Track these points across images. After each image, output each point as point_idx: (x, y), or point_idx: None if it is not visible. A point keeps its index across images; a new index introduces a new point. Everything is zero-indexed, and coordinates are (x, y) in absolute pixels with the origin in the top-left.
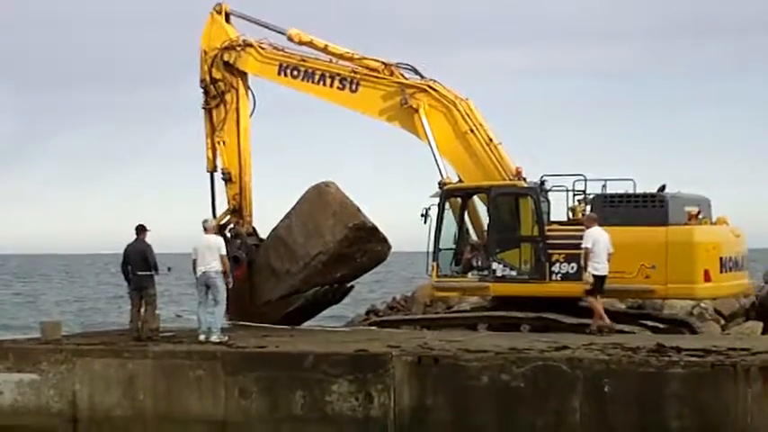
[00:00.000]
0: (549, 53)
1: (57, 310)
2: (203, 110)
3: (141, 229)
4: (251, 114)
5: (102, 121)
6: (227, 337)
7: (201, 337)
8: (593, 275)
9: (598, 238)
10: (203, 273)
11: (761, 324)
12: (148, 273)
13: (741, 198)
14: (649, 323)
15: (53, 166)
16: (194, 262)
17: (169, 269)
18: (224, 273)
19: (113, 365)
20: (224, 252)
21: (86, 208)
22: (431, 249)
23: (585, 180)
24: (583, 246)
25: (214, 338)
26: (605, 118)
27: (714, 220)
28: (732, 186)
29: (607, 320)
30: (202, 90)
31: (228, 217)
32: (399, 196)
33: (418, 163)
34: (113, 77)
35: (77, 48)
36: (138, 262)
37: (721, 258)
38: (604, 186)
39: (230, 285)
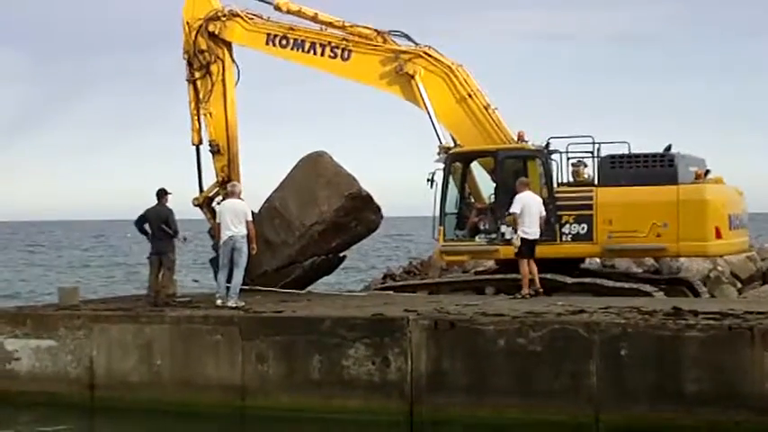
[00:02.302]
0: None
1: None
2: (187, 82)
3: (162, 194)
4: (236, 84)
5: (119, 88)
6: (243, 302)
7: (218, 302)
8: (522, 239)
9: (529, 203)
10: (230, 237)
11: None
12: (169, 237)
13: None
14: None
15: (69, 133)
16: (218, 226)
17: (185, 239)
18: (248, 238)
19: (130, 331)
20: (250, 217)
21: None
22: (437, 214)
23: (594, 142)
24: (511, 210)
25: (231, 303)
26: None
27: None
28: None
29: (526, 288)
30: (186, 62)
31: (217, 189)
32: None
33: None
34: (130, 44)
35: (93, 14)
36: (159, 226)
37: (729, 216)
38: (599, 149)
39: (254, 251)
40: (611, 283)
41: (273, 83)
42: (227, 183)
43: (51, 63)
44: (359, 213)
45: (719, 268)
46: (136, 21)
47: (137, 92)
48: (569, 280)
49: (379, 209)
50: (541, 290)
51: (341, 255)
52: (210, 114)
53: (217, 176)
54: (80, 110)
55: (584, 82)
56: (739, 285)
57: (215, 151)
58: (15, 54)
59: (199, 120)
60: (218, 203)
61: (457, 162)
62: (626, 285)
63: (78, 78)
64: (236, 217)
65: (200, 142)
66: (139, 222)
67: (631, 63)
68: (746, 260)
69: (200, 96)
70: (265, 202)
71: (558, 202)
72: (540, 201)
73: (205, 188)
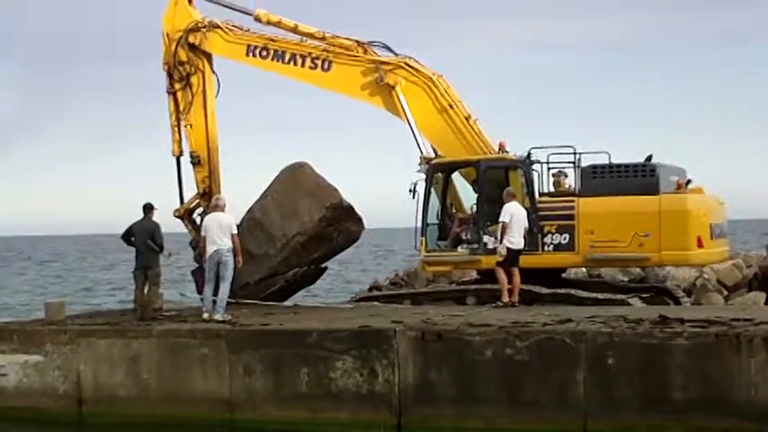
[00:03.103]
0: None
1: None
2: (167, 93)
3: (149, 208)
4: (216, 96)
5: (104, 96)
6: (230, 316)
7: (205, 316)
8: (508, 248)
9: (515, 213)
10: (216, 251)
11: (764, 295)
12: (154, 252)
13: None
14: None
15: (55, 143)
16: (203, 239)
17: (170, 255)
18: (234, 251)
19: (117, 345)
20: (235, 231)
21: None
22: (419, 225)
23: (575, 152)
24: (501, 219)
25: (218, 317)
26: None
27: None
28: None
29: (506, 296)
30: (166, 73)
31: (198, 200)
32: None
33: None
34: (114, 52)
35: (78, 23)
36: (145, 241)
37: (711, 225)
38: (579, 159)
39: (239, 264)
40: (585, 294)
41: (254, 92)
42: (207, 194)
43: (37, 73)
44: (340, 224)
45: (706, 276)
46: (124, 30)
47: (122, 103)
48: (544, 291)
49: (360, 219)
50: (517, 302)
51: (322, 266)
52: (191, 126)
53: (198, 188)
54: (63, 121)
55: (578, 89)
56: (725, 293)
57: (196, 162)
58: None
59: (179, 131)
60: (200, 215)
61: (439, 172)
62: (600, 296)
63: (63, 89)
64: (221, 230)
65: (181, 153)
66: (126, 236)
67: (624, 71)
68: (732, 268)
69: (181, 108)
70: (247, 214)
71: (540, 212)
72: (524, 212)
73: (186, 200)
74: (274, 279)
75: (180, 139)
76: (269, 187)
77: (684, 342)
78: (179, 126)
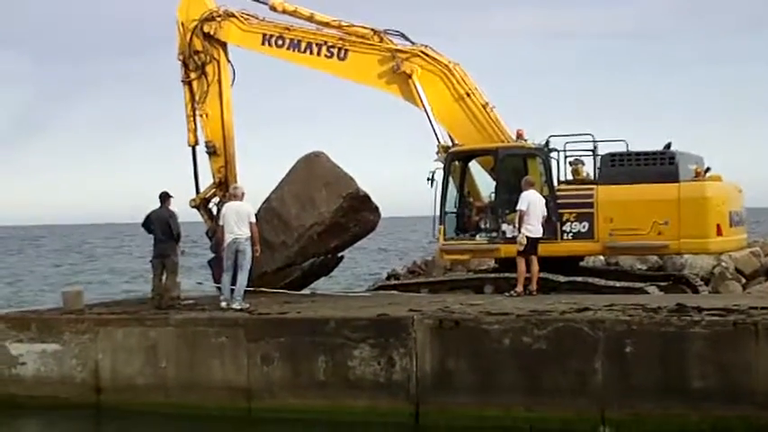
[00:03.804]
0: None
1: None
2: (182, 83)
3: (165, 197)
4: (231, 85)
5: (119, 90)
6: (248, 304)
7: (223, 304)
8: (527, 237)
9: (534, 201)
10: (234, 239)
11: None
12: (172, 240)
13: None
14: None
15: (70, 136)
16: (221, 228)
17: (183, 252)
18: (252, 240)
19: (135, 334)
20: (254, 219)
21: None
22: (437, 213)
23: (594, 140)
24: (518, 207)
25: (236, 305)
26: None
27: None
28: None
29: (520, 286)
30: (181, 63)
31: (214, 190)
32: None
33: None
34: (129, 46)
35: (93, 17)
36: (162, 229)
37: (729, 213)
38: (596, 147)
39: (258, 253)
40: (603, 282)
41: (272, 82)
42: (223, 184)
43: (51, 65)
44: (357, 213)
45: (724, 264)
46: (137, 23)
47: (137, 94)
48: (562, 279)
49: (376, 208)
50: (535, 291)
51: (339, 255)
52: (207, 115)
53: (213, 177)
54: (79, 112)
55: (586, 79)
56: (743, 281)
57: (211, 152)
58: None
59: (195, 121)
60: (216, 205)
61: (456, 161)
62: (618, 284)
63: (77, 80)
64: (240, 219)
65: (197, 143)
66: (145, 224)
67: (632, 60)
68: (750, 256)
69: (197, 97)
70: (263, 203)
71: (559, 201)
72: (543, 200)
73: (202, 189)
74: (291, 269)
75: (195, 129)
76: (285, 177)
77: (702, 330)
78: (194, 116)
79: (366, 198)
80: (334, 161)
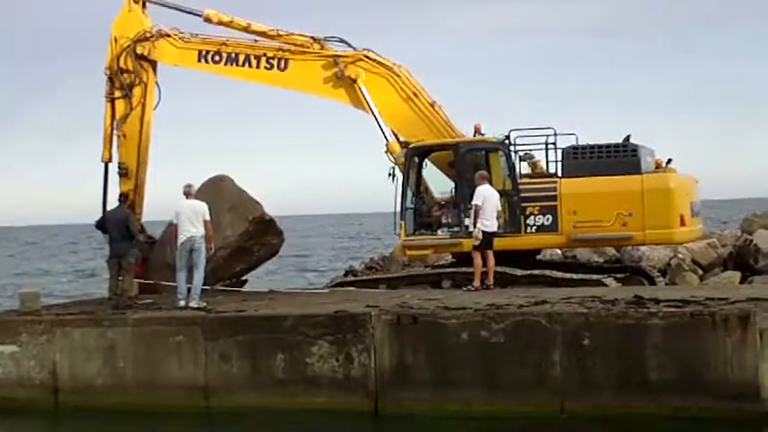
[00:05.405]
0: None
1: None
2: (105, 98)
3: (124, 198)
4: (155, 108)
5: (79, 90)
6: (205, 303)
7: (181, 303)
8: (482, 231)
9: (488, 196)
10: (188, 238)
11: (738, 273)
12: (128, 241)
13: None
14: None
15: (29, 137)
16: (175, 227)
17: (137, 259)
18: (207, 238)
19: (93, 334)
20: (208, 218)
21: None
22: (398, 209)
23: (555, 134)
24: (473, 202)
25: (193, 304)
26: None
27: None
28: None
29: (477, 280)
30: (107, 78)
31: None
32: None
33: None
34: (89, 46)
35: (54, 18)
36: (119, 230)
37: (690, 203)
38: (555, 140)
39: (212, 252)
40: (561, 275)
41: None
42: (131, 207)
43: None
44: (262, 237)
45: (680, 256)
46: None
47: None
48: (519, 272)
49: (281, 232)
50: (492, 285)
51: (243, 278)
52: (124, 136)
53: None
54: (38, 114)
55: (553, 74)
56: (700, 272)
57: (123, 174)
58: None
59: (111, 139)
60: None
61: (416, 157)
62: (575, 277)
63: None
64: (196, 217)
65: (110, 160)
66: (100, 224)
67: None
68: (707, 247)
69: (117, 117)
70: (168, 227)
71: (522, 194)
72: (498, 195)
73: (108, 208)
74: None
75: (111, 147)
76: None
77: (660, 322)
78: (112, 134)
79: (271, 222)
80: (239, 185)
